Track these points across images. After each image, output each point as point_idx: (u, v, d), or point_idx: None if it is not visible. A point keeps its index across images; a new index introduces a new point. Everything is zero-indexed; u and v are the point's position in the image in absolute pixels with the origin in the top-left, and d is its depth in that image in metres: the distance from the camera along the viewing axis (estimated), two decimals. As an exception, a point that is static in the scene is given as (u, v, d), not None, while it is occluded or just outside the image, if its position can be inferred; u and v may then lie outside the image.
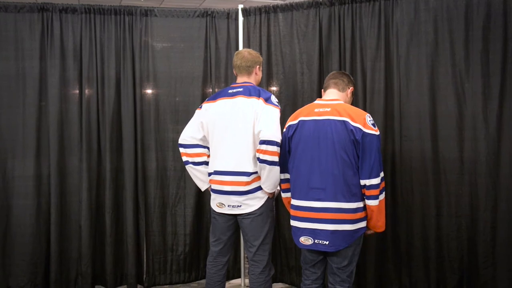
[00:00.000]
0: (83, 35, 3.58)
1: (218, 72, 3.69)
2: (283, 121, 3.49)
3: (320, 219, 2.47)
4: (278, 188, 2.78)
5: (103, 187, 3.59)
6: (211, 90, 3.69)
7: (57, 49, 3.53)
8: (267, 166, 2.60)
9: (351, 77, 2.79)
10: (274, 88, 3.64)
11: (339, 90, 2.69)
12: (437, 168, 3.20)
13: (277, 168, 2.64)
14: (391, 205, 3.32)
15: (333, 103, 2.60)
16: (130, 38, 3.63)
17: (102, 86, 3.60)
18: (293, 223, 2.59)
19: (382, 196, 2.53)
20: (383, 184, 2.56)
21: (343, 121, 2.48)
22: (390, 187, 3.28)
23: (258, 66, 2.86)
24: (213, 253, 2.88)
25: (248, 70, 2.82)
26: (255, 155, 2.66)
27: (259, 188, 2.72)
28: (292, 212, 2.60)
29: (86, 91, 3.58)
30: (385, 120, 3.30)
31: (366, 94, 3.40)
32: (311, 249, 2.55)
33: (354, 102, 2.72)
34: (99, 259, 3.62)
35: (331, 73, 2.80)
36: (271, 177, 2.65)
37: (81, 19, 3.57)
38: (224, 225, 2.84)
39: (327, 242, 2.45)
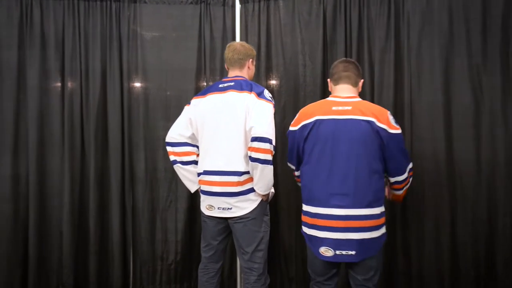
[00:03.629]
0: (65, 23, 3.54)
1: (213, 64, 3.62)
2: (283, 117, 3.50)
3: (345, 227, 2.39)
4: (272, 190, 2.77)
5: (87, 189, 3.56)
6: (205, 84, 3.63)
7: (37, 38, 3.50)
8: (259, 165, 2.57)
9: (359, 67, 2.74)
10: (273, 82, 3.59)
11: (352, 85, 2.61)
12: (452, 170, 3.20)
13: (270, 168, 2.62)
14: (400, 211, 3.30)
15: (353, 100, 2.53)
16: (117, 27, 3.59)
17: (86, 78, 3.56)
18: (311, 231, 2.52)
19: (407, 186, 2.62)
20: (410, 175, 2.60)
21: (369, 121, 2.42)
22: None
23: (251, 60, 2.86)
24: (204, 259, 2.87)
25: (240, 63, 2.82)
26: (247, 154, 2.64)
27: (252, 190, 2.70)
28: (309, 219, 2.53)
29: (69, 84, 3.54)
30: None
31: (374, 89, 3.37)
32: (330, 261, 2.49)
33: (360, 97, 2.66)
34: (82, 268, 3.58)
35: (339, 62, 2.67)
36: (264, 177, 2.63)
37: (63, 5, 3.53)
38: (214, 229, 2.83)
39: (353, 252, 2.39)
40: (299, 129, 2.56)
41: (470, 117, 3.15)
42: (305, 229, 2.55)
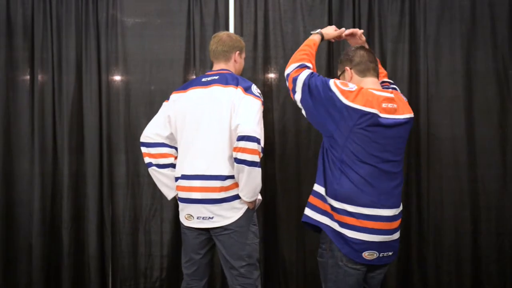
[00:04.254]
0: (35, 7, 3.46)
1: (203, 54, 3.49)
2: (283, 114, 3.44)
3: (390, 229, 2.32)
4: (259, 197, 2.67)
5: (60, 196, 3.48)
6: (194, 77, 3.49)
7: (2, 24, 3.45)
8: (246, 168, 2.49)
9: None
10: (272, 75, 3.49)
11: (378, 78, 2.48)
12: (474, 175, 3.19)
13: (258, 171, 2.52)
14: (416, 220, 3.28)
15: (393, 96, 2.39)
16: (94, 12, 3.50)
17: (59, 70, 3.48)
18: (358, 235, 2.31)
19: None
20: None
21: (412, 118, 2.42)
22: (416, 197, 3.27)
23: (238, 52, 2.79)
24: (186, 277, 2.79)
25: (226, 56, 2.77)
26: (231, 155, 2.56)
27: (237, 197, 2.60)
28: (356, 222, 2.32)
29: (39, 76, 3.48)
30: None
31: None
32: (374, 264, 2.38)
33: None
34: (54, 285, 3.49)
35: (362, 50, 2.46)
36: (251, 182, 2.53)
37: (32, -13, 3.52)
38: (195, 241, 2.73)
39: (391, 253, 2.35)
40: (356, 110, 2.28)
41: (494, 114, 3.15)
42: (353, 233, 2.31)
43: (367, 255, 2.28)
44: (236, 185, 2.59)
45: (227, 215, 2.60)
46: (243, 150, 2.47)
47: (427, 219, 3.22)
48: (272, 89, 3.42)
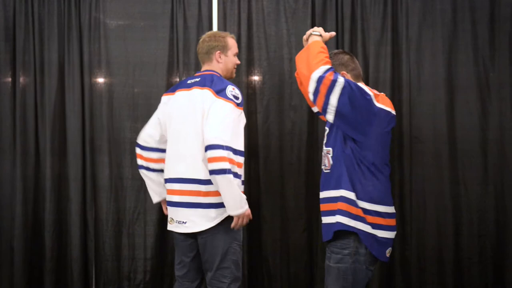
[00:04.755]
0: (17, 9, 3.45)
1: (187, 57, 3.50)
2: (266, 118, 3.42)
3: (395, 225, 2.46)
4: (245, 212, 2.48)
5: (42, 200, 3.46)
6: (178, 80, 3.50)
7: None
8: (216, 177, 2.41)
9: None
10: (255, 78, 3.49)
11: None
12: (456, 177, 3.19)
13: (229, 178, 2.39)
14: (399, 222, 3.21)
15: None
16: (76, 14, 3.49)
17: (42, 73, 3.48)
18: (386, 234, 2.38)
19: None
20: None
21: None
22: (398, 200, 3.25)
23: (218, 52, 2.72)
24: (178, 278, 2.78)
25: (207, 57, 2.74)
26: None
27: (213, 206, 2.53)
28: (384, 221, 2.38)
29: (21, 79, 3.48)
30: (391, 118, 3.29)
31: (368, 85, 3.19)
32: (385, 261, 2.53)
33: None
34: None
35: (350, 55, 2.54)
36: (226, 191, 2.44)
37: (14, -12, 3.51)
38: (183, 244, 2.69)
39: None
40: (383, 110, 2.38)
41: (475, 117, 3.14)
42: (382, 232, 2.36)
43: (387, 252, 2.36)
44: (214, 193, 2.52)
45: (199, 222, 2.55)
46: (211, 159, 2.42)
47: (410, 221, 3.21)
48: (256, 92, 3.42)
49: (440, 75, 3.18)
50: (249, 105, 3.35)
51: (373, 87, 3.23)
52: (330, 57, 2.39)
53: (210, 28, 3.46)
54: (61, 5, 3.45)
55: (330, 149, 2.36)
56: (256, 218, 3.34)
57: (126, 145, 3.48)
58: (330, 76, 2.21)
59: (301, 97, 3.25)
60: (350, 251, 2.30)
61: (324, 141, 2.43)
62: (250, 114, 3.32)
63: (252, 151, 3.31)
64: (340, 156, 2.31)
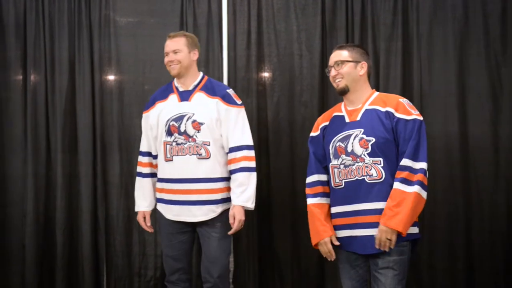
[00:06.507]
0: (27, 7, 3.47)
1: None
2: (277, 114, 3.41)
3: None
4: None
5: (54, 197, 3.47)
6: None
7: None
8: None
9: None
10: (266, 74, 3.50)
11: None
12: (467, 173, 3.19)
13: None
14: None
15: None
16: (87, 11, 3.50)
17: (52, 70, 3.49)
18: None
19: None
20: None
21: None
22: None
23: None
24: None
25: None
26: None
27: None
28: None
29: (32, 76, 3.48)
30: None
31: (379, 82, 3.31)
32: None
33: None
34: (48, 286, 3.48)
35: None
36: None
37: (25, -14, 3.51)
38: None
39: None
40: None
41: (487, 112, 3.14)
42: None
43: None
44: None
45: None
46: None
47: (421, 216, 3.02)
48: (266, 88, 3.44)
49: (451, 71, 3.18)
50: (259, 101, 3.37)
51: (383, 83, 3.33)
52: (354, 46, 2.38)
53: (220, 25, 3.48)
54: (71, 3, 3.47)
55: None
56: (266, 214, 3.38)
57: (136, 142, 3.39)
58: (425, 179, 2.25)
59: (311, 93, 3.33)
60: (406, 243, 2.27)
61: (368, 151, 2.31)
62: (260, 111, 3.35)
63: (263, 147, 3.33)
64: (386, 171, 2.27)
